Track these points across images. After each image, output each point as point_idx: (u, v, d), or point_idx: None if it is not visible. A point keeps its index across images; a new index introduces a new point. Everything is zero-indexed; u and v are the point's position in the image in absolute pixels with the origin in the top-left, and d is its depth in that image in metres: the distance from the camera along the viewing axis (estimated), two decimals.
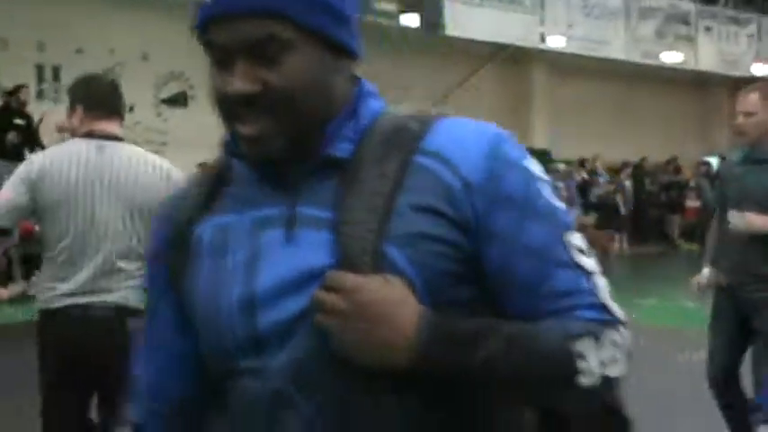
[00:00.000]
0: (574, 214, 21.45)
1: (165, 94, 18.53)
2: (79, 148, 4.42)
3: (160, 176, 4.57)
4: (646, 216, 24.59)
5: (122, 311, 4.35)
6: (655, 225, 25.02)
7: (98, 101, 4.49)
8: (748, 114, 5.58)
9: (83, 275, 4.35)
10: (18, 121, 15.40)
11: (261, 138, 1.53)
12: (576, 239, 1.61)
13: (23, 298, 12.34)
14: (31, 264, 14.46)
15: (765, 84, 5.80)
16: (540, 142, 23.48)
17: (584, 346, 1.54)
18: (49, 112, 16.09)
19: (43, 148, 15.40)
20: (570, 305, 1.56)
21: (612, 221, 22.74)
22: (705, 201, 24.39)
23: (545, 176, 1.63)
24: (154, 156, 4.70)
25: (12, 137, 14.89)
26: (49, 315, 4.39)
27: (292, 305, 1.54)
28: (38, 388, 4.52)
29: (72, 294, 4.34)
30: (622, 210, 22.84)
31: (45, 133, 15.56)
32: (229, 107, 1.56)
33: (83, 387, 4.50)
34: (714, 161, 26.50)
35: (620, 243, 22.97)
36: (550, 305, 1.57)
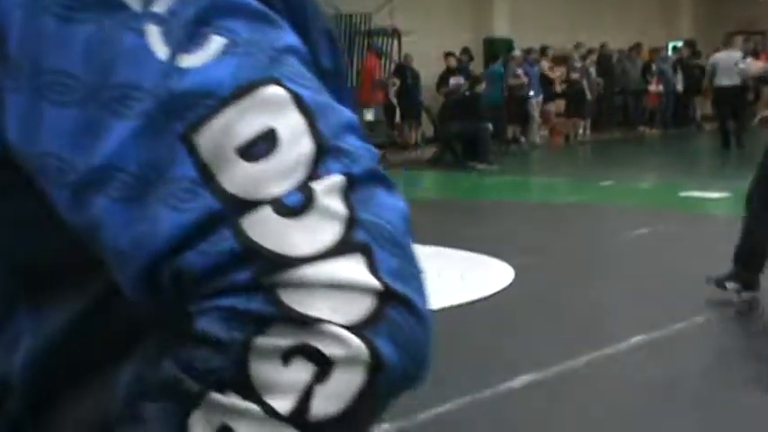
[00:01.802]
0: (536, 102, 21.72)
1: None
2: None
3: None
4: (610, 103, 24.90)
5: None
6: (618, 111, 25.37)
7: None
8: None
9: None
10: None
11: None
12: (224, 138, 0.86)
13: None
14: None
15: None
16: (501, 31, 23.59)
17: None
18: None
19: None
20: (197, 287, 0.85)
21: (579, 108, 23.04)
22: (667, 86, 24.72)
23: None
24: None
25: None
26: None
27: None
28: None
29: None
30: (588, 96, 23.12)
31: None
32: None
33: None
34: (672, 47, 26.84)
35: (583, 130, 23.28)
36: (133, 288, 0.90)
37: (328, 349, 0.83)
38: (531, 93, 21.54)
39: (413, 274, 0.89)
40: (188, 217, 0.85)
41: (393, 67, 21.27)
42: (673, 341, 6.69)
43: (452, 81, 19.47)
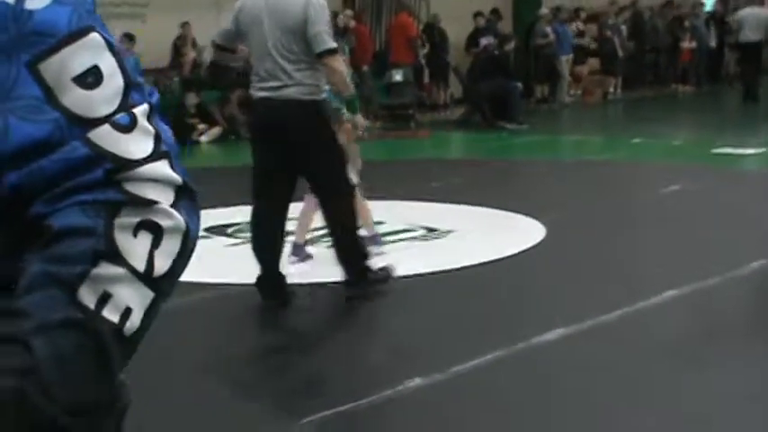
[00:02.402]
0: (565, 59, 21.63)
1: None
2: None
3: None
4: (642, 60, 24.76)
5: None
6: (650, 68, 25.21)
7: None
8: None
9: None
10: None
11: None
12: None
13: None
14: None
15: None
16: None
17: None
18: None
19: None
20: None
21: (611, 66, 22.96)
22: (700, 42, 24.53)
23: None
24: None
25: None
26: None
27: None
28: None
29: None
30: (620, 54, 23.02)
31: None
32: None
33: None
34: (710, 3, 26.56)
35: (614, 88, 23.19)
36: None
37: (162, 222, 1.22)
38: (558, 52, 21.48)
39: (186, 173, 1.27)
40: (39, 128, 1.17)
41: (421, 27, 21.21)
42: (706, 296, 6.71)
43: (482, 41, 19.39)
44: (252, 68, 6.64)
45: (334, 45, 6.42)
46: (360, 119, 7.24)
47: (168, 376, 5.35)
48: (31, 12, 1.19)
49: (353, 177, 7.00)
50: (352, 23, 19.47)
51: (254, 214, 6.75)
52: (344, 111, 7.15)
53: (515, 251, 7.86)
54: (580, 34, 22.79)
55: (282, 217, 6.64)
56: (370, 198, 10.08)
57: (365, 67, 18.93)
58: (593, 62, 23.13)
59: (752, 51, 20.72)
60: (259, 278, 6.64)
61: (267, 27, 6.32)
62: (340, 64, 6.60)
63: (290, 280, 6.77)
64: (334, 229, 6.71)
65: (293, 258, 7.57)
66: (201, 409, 4.98)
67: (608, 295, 6.61)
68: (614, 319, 6.13)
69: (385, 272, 6.89)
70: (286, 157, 6.45)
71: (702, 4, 26.12)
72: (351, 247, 6.70)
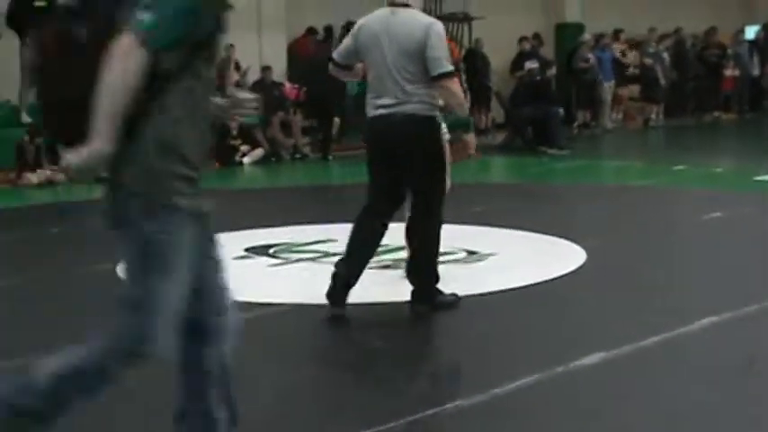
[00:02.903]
0: (607, 85, 21.60)
1: None
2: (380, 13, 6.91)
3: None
4: (684, 87, 24.68)
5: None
6: (692, 96, 25.12)
7: None
8: None
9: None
10: (38, 3, 15.56)
11: None
12: None
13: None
14: None
15: None
16: (572, 16, 23.49)
17: None
18: None
19: None
20: None
21: (653, 93, 22.91)
22: (743, 70, 24.42)
23: None
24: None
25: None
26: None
27: None
28: None
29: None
30: (662, 81, 22.98)
31: None
32: None
33: None
34: (753, 31, 26.47)
35: (656, 115, 23.13)
36: None
37: None
38: (601, 77, 21.47)
39: None
40: None
41: (463, 52, 21.28)
42: (744, 323, 6.70)
43: (528, 64, 19.40)
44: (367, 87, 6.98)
45: (452, 68, 6.78)
46: (472, 138, 7.51)
47: None
48: None
49: None
50: None
51: (359, 224, 7.05)
52: (446, 131, 7.28)
53: (556, 275, 7.88)
54: (621, 55, 22.72)
55: (383, 232, 7.01)
56: None
57: None
58: (634, 88, 23.10)
59: None
60: (333, 286, 6.87)
61: (387, 47, 6.68)
62: (457, 86, 6.98)
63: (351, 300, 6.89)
64: (420, 247, 7.02)
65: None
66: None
67: (647, 321, 6.61)
68: (653, 344, 6.13)
69: (453, 297, 7.08)
70: (399, 170, 6.83)
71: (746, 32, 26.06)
72: (429, 268, 7.00)
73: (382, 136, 6.82)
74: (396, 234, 9.72)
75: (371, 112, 6.85)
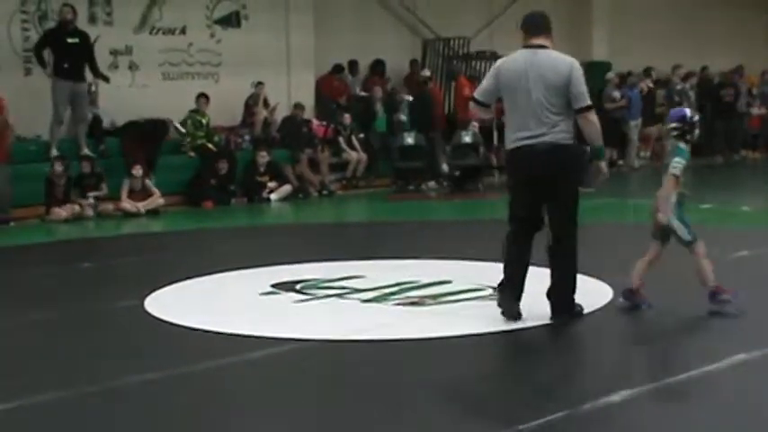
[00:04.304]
0: (634, 124, 21.58)
1: (217, 15, 18.75)
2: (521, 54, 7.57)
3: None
4: (711, 126, 24.59)
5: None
6: (719, 134, 25.03)
7: (533, 25, 7.64)
8: None
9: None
10: (70, 40, 15.75)
11: None
12: None
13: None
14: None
15: None
16: (600, 55, 23.52)
17: None
18: (101, 35, 16.51)
19: (96, 67, 15.90)
20: None
21: None
22: None
23: None
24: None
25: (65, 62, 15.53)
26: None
27: None
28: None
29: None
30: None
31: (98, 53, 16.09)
32: None
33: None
34: None
35: None
36: None
37: None
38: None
39: None
40: None
41: None
42: None
43: None
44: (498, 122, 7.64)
45: (590, 102, 7.60)
46: (604, 165, 7.99)
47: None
48: None
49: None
50: (430, 84, 19.73)
51: (509, 252, 7.78)
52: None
53: (585, 312, 7.86)
54: (650, 93, 22.67)
55: (530, 245, 7.73)
56: (439, 257, 10.16)
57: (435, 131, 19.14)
58: (663, 127, 23.05)
59: None
60: (501, 288, 7.79)
61: (532, 83, 7.39)
62: (595, 117, 7.69)
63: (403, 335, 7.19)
64: (571, 259, 7.71)
65: (621, 301, 8.09)
66: None
67: (675, 358, 6.59)
68: (681, 381, 6.11)
69: (580, 307, 7.73)
70: (540, 192, 7.55)
71: None
72: (573, 282, 7.68)
73: (528, 162, 7.48)
74: (424, 269, 9.76)
75: (513, 144, 7.56)
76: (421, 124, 19.28)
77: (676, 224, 8.10)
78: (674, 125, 8.21)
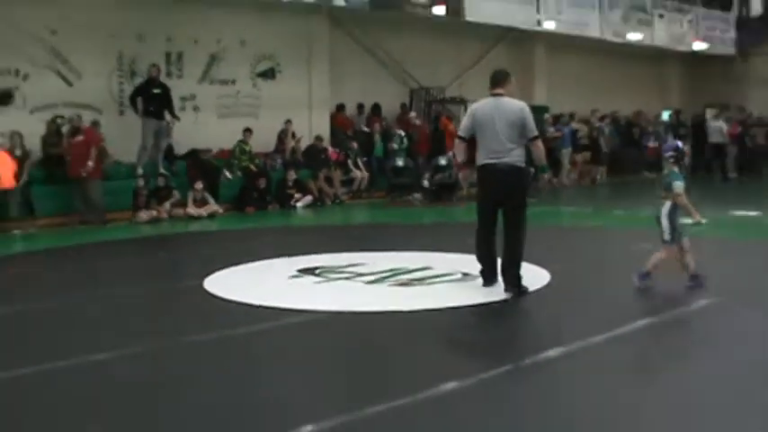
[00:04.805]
0: (566, 152, 21.53)
1: (258, 70, 18.71)
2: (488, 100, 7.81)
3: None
4: (622, 154, 24.63)
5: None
6: (628, 161, 25.05)
7: (495, 79, 7.91)
8: None
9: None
10: (155, 91, 15.83)
11: None
12: None
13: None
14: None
15: None
16: (540, 100, 23.51)
17: None
18: (174, 86, 16.49)
19: (172, 109, 15.94)
20: None
21: (598, 158, 22.89)
22: (661, 142, 24.40)
23: None
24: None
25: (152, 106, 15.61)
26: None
27: None
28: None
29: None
30: (604, 149, 22.97)
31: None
32: None
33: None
34: (667, 114, 26.74)
35: (601, 175, 23.05)
36: None
37: None
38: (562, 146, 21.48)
39: None
40: None
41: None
42: (672, 326, 6.68)
43: None
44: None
45: (537, 133, 7.88)
46: (547, 177, 8.44)
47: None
48: None
49: None
50: (418, 122, 19.68)
51: (479, 238, 7.95)
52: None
53: (531, 290, 7.82)
54: (577, 131, 22.80)
55: (494, 237, 7.85)
56: (422, 250, 10.10)
57: (419, 156, 19.09)
58: (586, 154, 23.07)
59: (720, 148, 23.39)
60: (482, 270, 7.98)
61: (497, 120, 7.64)
62: (542, 144, 7.97)
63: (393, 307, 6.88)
64: (518, 246, 7.73)
65: (636, 280, 7.89)
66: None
67: (595, 323, 6.55)
68: (601, 341, 6.08)
69: (526, 287, 7.73)
70: (500, 198, 7.72)
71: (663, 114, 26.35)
72: (519, 262, 7.71)
73: (491, 177, 7.69)
74: (412, 259, 9.70)
75: (482, 161, 7.73)
76: (410, 151, 19.28)
77: (665, 223, 7.79)
78: (669, 154, 7.87)
